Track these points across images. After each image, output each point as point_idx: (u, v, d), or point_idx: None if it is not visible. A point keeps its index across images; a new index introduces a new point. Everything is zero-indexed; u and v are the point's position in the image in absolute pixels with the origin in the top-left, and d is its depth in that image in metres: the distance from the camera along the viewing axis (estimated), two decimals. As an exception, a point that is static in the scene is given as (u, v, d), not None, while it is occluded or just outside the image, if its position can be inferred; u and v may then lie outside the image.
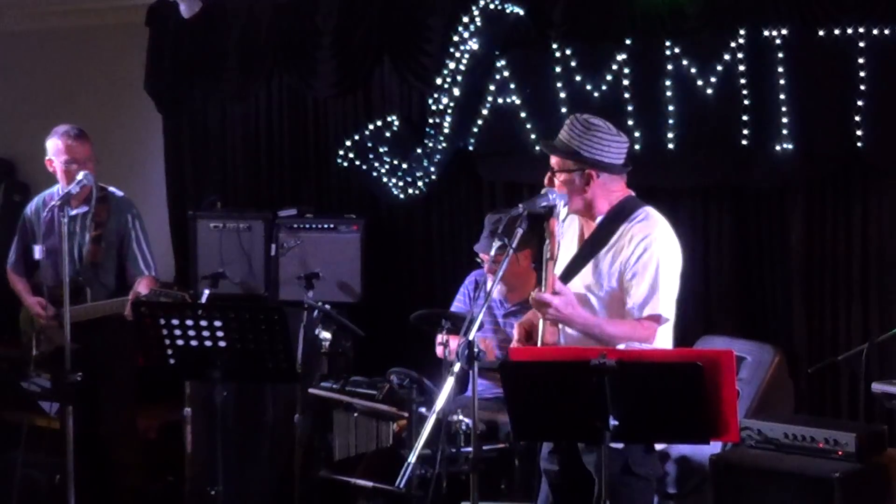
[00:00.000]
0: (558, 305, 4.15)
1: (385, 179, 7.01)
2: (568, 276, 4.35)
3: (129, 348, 5.40)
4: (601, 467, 3.94)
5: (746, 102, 5.92)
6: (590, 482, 4.14)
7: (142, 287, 5.83)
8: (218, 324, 4.81)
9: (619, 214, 4.35)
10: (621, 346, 4.16)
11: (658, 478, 4.40)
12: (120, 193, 6.14)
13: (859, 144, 5.69)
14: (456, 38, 6.65)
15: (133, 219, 6.06)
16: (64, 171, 5.90)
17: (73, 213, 5.93)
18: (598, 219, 4.38)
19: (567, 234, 4.49)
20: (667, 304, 4.26)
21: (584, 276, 4.35)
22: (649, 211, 4.38)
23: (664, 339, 4.31)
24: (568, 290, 4.22)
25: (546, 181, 4.37)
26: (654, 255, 4.25)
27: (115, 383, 6.01)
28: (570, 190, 4.34)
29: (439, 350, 5.62)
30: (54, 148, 5.93)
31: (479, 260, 5.88)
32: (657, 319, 4.24)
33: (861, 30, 5.63)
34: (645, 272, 4.23)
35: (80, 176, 5.70)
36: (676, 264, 4.33)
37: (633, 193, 4.43)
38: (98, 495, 6.12)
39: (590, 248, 4.34)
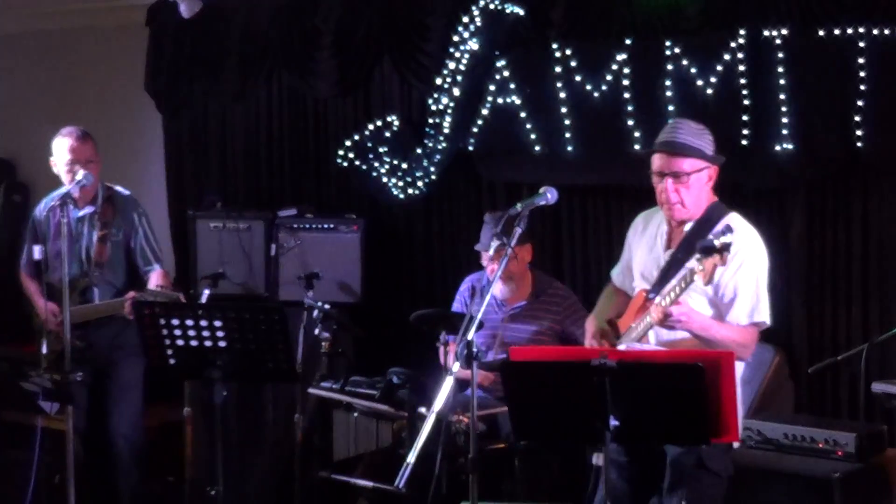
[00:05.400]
0: (682, 314, 4.26)
1: (385, 179, 7.00)
2: (662, 280, 4.46)
3: (136, 346, 5.41)
4: (677, 462, 4.16)
5: (746, 102, 5.92)
6: (658, 470, 4.26)
7: (156, 280, 5.90)
8: (218, 324, 4.81)
9: (707, 222, 4.48)
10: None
11: (729, 476, 4.55)
12: (126, 192, 6.16)
13: (859, 144, 5.69)
14: (456, 38, 6.64)
15: (139, 217, 6.08)
16: (67, 173, 5.91)
17: (81, 213, 5.97)
18: (689, 225, 4.50)
19: (649, 232, 4.64)
20: (767, 309, 4.45)
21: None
22: (734, 218, 4.51)
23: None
24: (685, 301, 4.32)
25: (671, 191, 4.47)
26: (748, 266, 4.41)
27: (122, 382, 6.01)
28: (698, 191, 4.49)
29: (442, 352, 5.62)
30: (57, 149, 5.95)
31: (484, 263, 5.87)
32: (760, 325, 4.44)
33: (861, 30, 5.63)
34: (745, 284, 4.40)
35: (79, 176, 5.72)
36: (766, 268, 4.50)
37: (717, 199, 4.58)
38: (99, 495, 6.12)
39: (683, 254, 4.44)
